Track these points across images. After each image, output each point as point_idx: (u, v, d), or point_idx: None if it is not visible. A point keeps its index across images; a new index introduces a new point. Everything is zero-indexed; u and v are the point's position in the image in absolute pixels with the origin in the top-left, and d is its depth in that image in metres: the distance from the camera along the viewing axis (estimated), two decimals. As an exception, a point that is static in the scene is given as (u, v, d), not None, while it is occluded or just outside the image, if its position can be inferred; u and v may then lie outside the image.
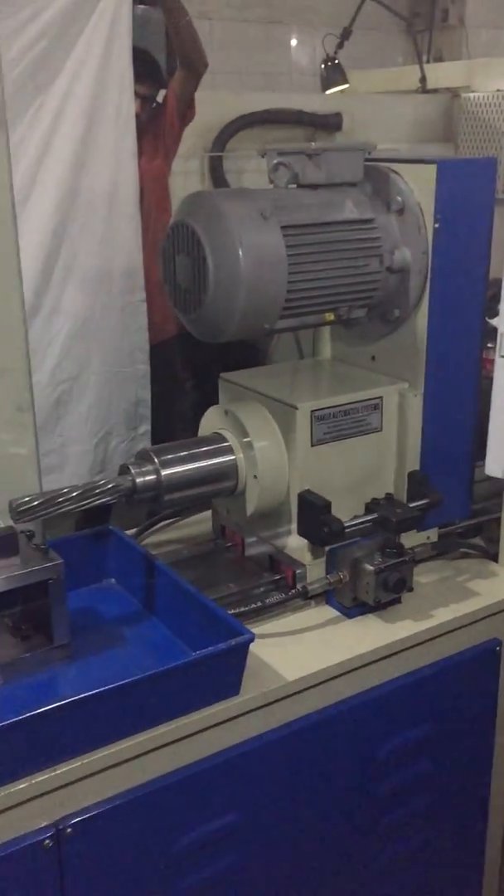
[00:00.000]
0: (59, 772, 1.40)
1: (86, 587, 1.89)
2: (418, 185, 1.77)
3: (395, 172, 1.80)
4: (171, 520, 2.19)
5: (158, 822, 1.52)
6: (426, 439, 1.89)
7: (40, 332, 2.89)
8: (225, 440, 1.81)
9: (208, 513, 2.11)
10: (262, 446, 1.77)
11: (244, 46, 6.00)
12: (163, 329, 3.14)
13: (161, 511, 2.09)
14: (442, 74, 5.45)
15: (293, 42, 6.65)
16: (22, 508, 1.59)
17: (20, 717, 1.34)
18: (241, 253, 1.60)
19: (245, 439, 1.79)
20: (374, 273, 1.78)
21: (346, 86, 5.42)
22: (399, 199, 1.79)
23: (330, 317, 1.81)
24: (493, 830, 2.10)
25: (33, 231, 2.60)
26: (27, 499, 1.60)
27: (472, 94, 5.08)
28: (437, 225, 1.75)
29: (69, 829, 1.42)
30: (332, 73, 5.44)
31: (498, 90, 4.93)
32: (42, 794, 1.40)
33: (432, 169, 1.73)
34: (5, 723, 1.33)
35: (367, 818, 1.83)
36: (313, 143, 1.90)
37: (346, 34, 5.55)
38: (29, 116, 2.52)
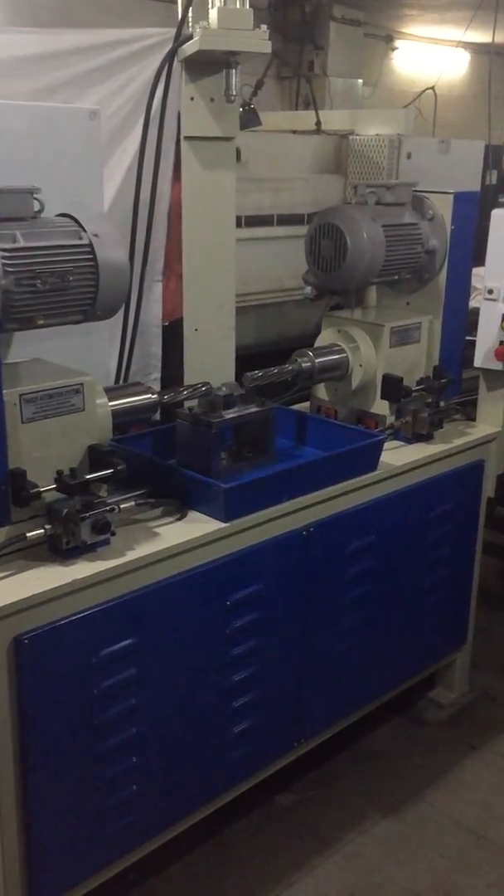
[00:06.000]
0: (301, 498, 2.75)
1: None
2: (442, 206, 3.24)
3: (428, 198, 3.26)
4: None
5: (340, 533, 2.91)
6: (442, 348, 3.35)
7: None
8: (340, 345, 3.20)
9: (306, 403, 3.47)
10: (364, 347, 3.17)
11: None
12: (173, 312, 3.96)
13: (307, 388, 3.39)
14: (331, 119, 6.98)
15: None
16: (253, 376, 2.93)
17: (275, 472, 2.74)
18: (365, 236, 3.01)
19: (352, 345, 3.18)
20: (418, 253, 3.24)
21: (260, 126, 6.85)
22: (431, 212, 3.25)
23: (396, 276, 3.24)
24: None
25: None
26: (255, 374, 2.93)
27: (357, 137, 6.52)
28: (452, 227, 3.23)
29: (312, 529, 2.77)
30: (249, 116, 6.86)
31: (377, 134, 6.44)
32: (297, 511, 2.74)
33: (451, 197, 3.21)
34: (269, 473, 2.72)
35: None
36: (391, 180, 3.29)
37: (259, 84, 6.98)
38: (118, 153, 3.66)
